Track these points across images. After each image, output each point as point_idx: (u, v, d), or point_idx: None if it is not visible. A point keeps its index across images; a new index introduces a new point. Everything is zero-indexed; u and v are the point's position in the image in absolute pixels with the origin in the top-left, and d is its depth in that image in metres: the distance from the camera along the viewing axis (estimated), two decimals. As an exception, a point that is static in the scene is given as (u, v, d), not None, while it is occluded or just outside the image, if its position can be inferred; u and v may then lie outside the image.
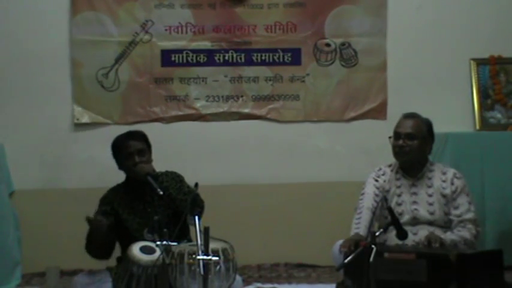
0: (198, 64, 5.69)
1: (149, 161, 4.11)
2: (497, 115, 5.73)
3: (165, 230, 3.63)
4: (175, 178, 4.13)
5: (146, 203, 4.10)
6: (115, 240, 4.09)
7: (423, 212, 4.07)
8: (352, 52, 5.72)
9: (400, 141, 4.11)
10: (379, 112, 5.72)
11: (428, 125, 4.20)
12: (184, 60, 5.68)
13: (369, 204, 4.09)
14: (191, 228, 3.82)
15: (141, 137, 4.16)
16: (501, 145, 5.33)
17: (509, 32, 5.75)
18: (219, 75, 5.71)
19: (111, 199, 4.13)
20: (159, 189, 3.93)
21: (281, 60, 5.71)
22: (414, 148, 4.10)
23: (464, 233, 3.99)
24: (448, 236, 3.95)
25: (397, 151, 4.14)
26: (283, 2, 5.69)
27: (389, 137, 4.19)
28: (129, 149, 4.08)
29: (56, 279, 4.54)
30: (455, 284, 3.58)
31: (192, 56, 5.68)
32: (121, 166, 4.14)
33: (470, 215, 4.05)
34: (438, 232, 3.98)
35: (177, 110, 5.68)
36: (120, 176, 4.22)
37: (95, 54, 5.61)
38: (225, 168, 5.61)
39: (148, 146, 4.16)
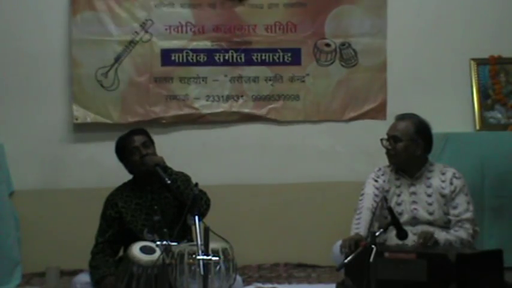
0: (198, 64, 5.68)
1: (155, 154, 4.14)
2: (497, 115, 5.73)
3: (165, 230, 3.64)
4: (182, 177, 4.15)
5: (153, 200, 4.11)
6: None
7: (422, 212, 4.08)
8: (352, 52, 5.72)
9: (386, 143, 4.16)
10: (379, 112, 5.71)
11: (419, 126, 4.16)
12: (184, 60, 5.68)
13: (369, 205, 4.09)
14: (193, 229, 3.82)
15: (143, 131, 4.23)
16: (501, 145, 5.32)
17: (509, 32, 5.74)
18: (219, 75, 5.70)
19: (116, 200, 4.14)
20: (167, 179, 3.96)
21: (281, 60, 5.71)
22: (399, 151, 4.13)
23: (460, 232, 4.00)
24: (443, 236, 3.95)
25: (386, 153, 4.19)
26: (283, 2, 5.68)
27: (381, 139, 4.20)
28: (134, 143, 4.13)
29: (56, 279, 4.54)
30: (455, 284, 3.58)
31: (192, 56, 5.68)
32: (127, 164, 4.15)
33: (468, 215, 4.05)
34: (438, 232, 3.98)
35: (177, 109, 5.68)
36: (120, 176, 4.23)
37: (94, 53, 5.60)
38: (225, 168, 5.60)
39: (152, 140, 4.20)
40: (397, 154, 4.13)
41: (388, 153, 4.18)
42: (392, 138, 4.14)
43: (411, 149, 4.13)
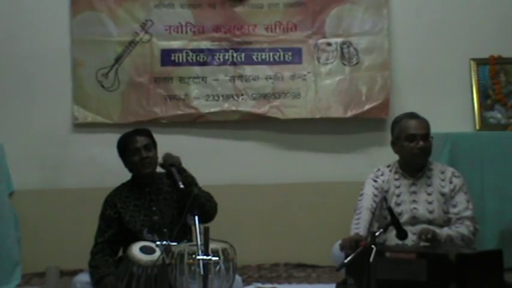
0: (198, 64, 5.69)
1: (156, 157, 4.13)
2: (497, 115, 5.73)
3: (164, 230, 3.64)
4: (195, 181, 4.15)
5: (152, 201, 4.11)
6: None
7: (422, 211, 4.08)
8: (353, 51, 5.70)
9: (421, 143, 4.10)
10: (380, 111, 5.68)
11: None
12: (184, 60, 5.68)
13: (368, 205, 4.09)
14: (193, 229, 3.82)
15: (147, 132, 4.20)
16: (501, 145, 5.33)
17: (509, 32, 5.74)
18: (219, 75, 5.69)
19: (115, 201, 4.13)
20: (180, 183, 3.93)
21: (282, 59, 5.70)
22: (430, 148, 4.13)
23: (461, 229, 4.01)
24: (445, 231, 3.96)
25: (418, 153, 4.11)
26: (283, 1, 5.68)
27: (394, 143, 4.18)
28: (136, 144, 4.10)
29: (56, 279, 4.53)
30: (455, 284, 3.58)
31: (192, 56, 5.68)
32: (127, 163, 4.14)
33: (468, 213, 4.06)
34: (439, 229, 3.98)
35: (177, 109, 5.68)
36: (120, 176, 4.23)
37: (94, 54, 5.61)
38: (225, 168, 5.61)
39: (154, 143, 4.18)
40: (429, 152, 4.14)
41: (422, 152, 4.11)
42: (423, 137, 4.11)
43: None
